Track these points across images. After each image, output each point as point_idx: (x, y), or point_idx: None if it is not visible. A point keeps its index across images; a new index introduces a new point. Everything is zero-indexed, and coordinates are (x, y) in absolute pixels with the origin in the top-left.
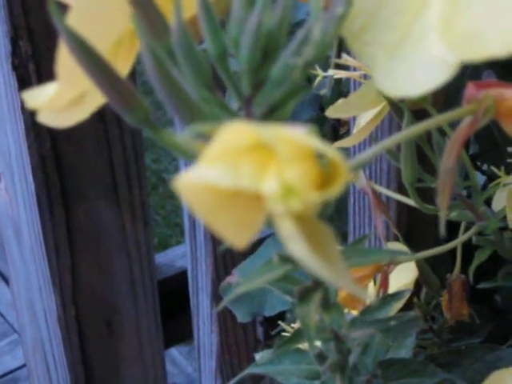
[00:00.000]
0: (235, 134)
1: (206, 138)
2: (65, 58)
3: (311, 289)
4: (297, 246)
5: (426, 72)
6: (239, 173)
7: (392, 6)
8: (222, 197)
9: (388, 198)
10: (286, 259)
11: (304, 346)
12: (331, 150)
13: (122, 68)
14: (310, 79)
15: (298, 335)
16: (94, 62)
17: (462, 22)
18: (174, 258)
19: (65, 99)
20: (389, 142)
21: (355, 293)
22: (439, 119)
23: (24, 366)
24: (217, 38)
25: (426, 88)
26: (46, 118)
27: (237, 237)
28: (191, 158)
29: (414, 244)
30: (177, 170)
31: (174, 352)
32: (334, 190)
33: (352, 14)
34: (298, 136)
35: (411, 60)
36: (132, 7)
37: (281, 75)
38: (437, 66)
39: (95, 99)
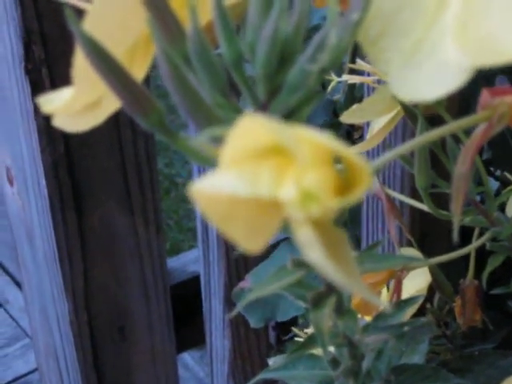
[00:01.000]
0: (252, 135)
1: (220, 142)
2: (81, 63)
3: (325, 294)
4: (315, 252)
5: (441, 76)
6: (257, 180)
7: (410, 10)
8: (238, 204)
9: (401, 203)
10: (300, 264)
11: (317, 351)
12: (354, 155)
13: (138, 73)
14: (324, 84)
15: (311, 340)
16: (109, 67)
17: (477, 26)
18: (186, 262)
19: (80, 104)
20: (402, 148)
21: (369, 299)
22: (453, 126)
23: (35, 370)
24: (232, 43)
25: (441, 93)
26: (61, 123)
27: (251, 242)
28: (206, 162)
29: (428, 249)
30: (190, 174)
31: (187, 357)
32: (356, 196)
33: (368, 19)
34: (320, 138)
35: (427, 64)
36: (148, 12)
37: (297, 81)
38: (452, 71)
39: (111, 104)
